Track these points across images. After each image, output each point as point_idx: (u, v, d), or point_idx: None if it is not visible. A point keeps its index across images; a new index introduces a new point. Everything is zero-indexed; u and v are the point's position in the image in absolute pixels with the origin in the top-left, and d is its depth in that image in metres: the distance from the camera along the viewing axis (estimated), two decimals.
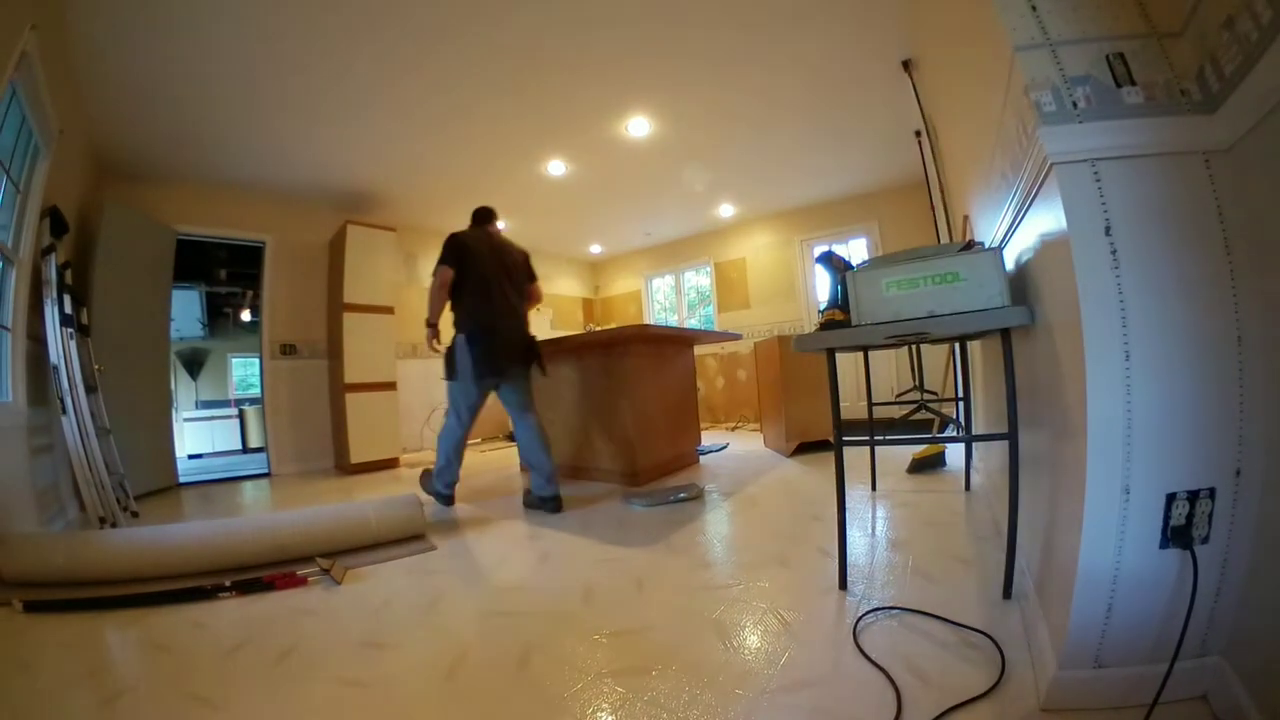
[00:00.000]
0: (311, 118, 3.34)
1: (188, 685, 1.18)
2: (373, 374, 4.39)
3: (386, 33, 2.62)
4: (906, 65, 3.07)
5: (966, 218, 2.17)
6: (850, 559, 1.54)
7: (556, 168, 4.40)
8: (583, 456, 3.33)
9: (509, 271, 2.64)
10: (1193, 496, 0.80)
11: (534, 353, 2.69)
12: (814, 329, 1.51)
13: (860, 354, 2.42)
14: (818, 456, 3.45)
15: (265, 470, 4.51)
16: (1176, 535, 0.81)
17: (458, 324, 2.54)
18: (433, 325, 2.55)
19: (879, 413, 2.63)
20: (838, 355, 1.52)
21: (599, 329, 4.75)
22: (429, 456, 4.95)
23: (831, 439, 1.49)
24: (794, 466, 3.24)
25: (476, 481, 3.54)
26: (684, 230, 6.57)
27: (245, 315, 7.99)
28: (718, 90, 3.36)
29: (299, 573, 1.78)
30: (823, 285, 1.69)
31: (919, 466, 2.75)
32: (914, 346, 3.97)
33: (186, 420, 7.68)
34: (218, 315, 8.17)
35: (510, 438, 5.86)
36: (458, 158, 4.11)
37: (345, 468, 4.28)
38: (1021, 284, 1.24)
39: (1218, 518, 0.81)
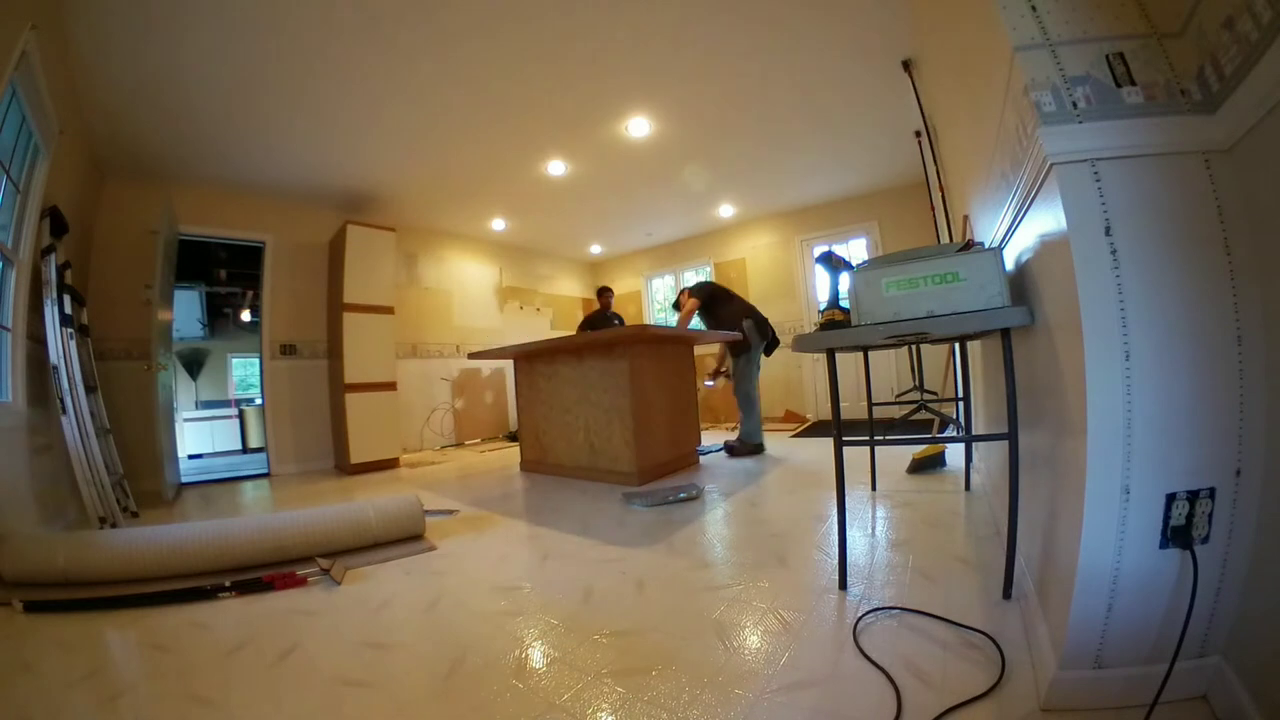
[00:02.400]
0: (311, 118, 3.34)
1: (188, 685, 1.18)
2: (373, 374, 4.39)
3: (387, 34, 2.62)
4: (906, 65, 3.07)
5: (966, 218, 2.17)
6: (850, 559, 1.54)
7: (556, 168, 4.40)
8: (583, 457, 3.33)
9: None
10: (1193, 496, 0.80)
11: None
12: (814, 329, 1.51)
13: (860, 354, 2.42)
14: (818, 457, 3.45)
15: (265, 470, 4.51)
16: (1176, 535, 0.81)
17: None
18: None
19: (879, 413, 2.63)
20: (838, 355, 1.52)
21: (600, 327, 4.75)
22: (429, 456, 4.95)
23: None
24: (794, 466, 3.24)
25: (476, 482, 3.54)
26: (684, 230, 6.57)
27: (245, 315, 7.98)
28: (717, 91, 3.36)
29: (299, 573, 1.78)
30: (823, 285, 1.69)
31: (919, 466, 2.75)
32: (914, 346, 3.97)
33: (186, 420, 7.68)
34: (218, 315, 8.17)
35: (511, 437, 5.87)
36: (458, 158, 4.11)
37: (345, 468, 4.28)
38: (1021, 284, 1.24)
39: (1218, 518, 0.81)
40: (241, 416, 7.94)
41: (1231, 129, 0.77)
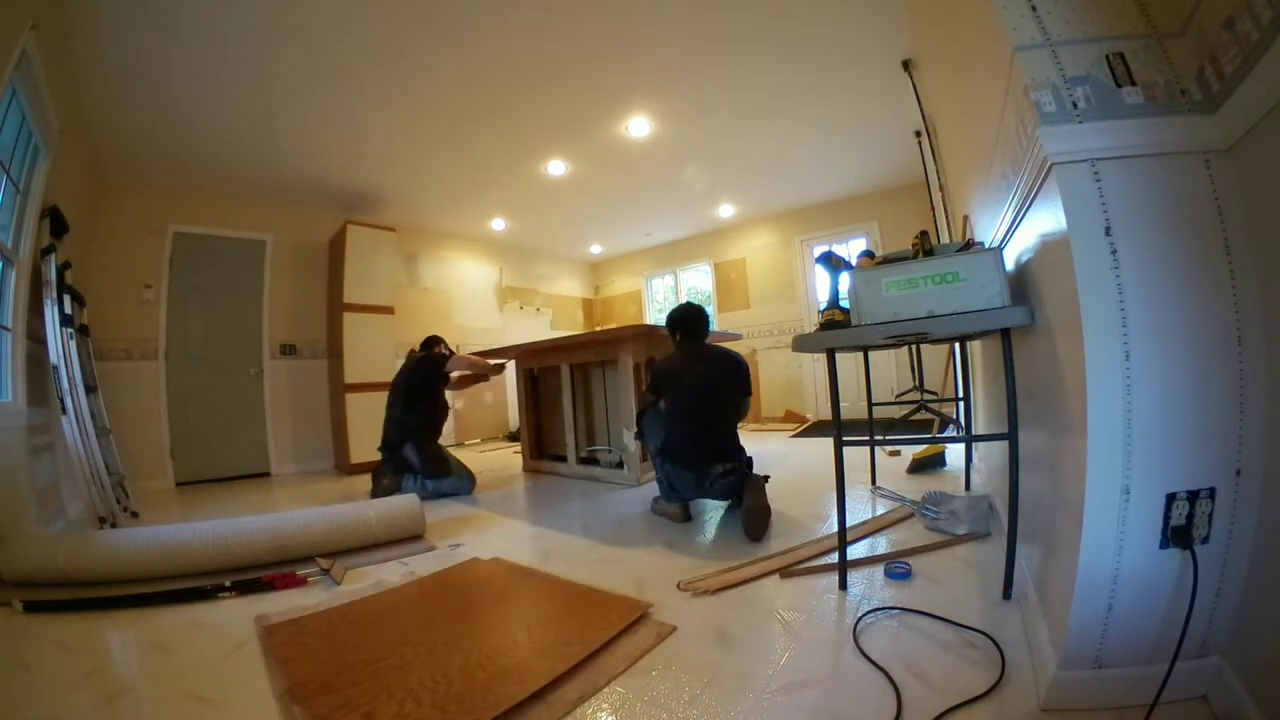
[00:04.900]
0: (312, 118, 3.34)
1: (188, 685, 1.18)
2: (373, 374, 4.38)
3: (387, 34, 2.62)
4: (906, 65, 3.07)
5: (966, 218, 2.17)
6: (849, 558, 1.53)
7: (556, 168, 4.40)
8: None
9: None
10: (1193, 496, 0.80)
11: None
12: (814, 329, 1.51)
13: (860, 354, 2.42)
14: (817, 457, 3.45)
15: (265, 470, 4.50)
16: (1177, 535, 0.81)
17: None
18: None
19: (879, 413, 2.63)
20: (838, 355, 1.52)
21: (601, 329, 4.75)
22: None
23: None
24: (794, 467, 3.24)
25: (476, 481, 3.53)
26: (684, 230, 6.57)
27: None
28: (717, 91, 3.36)
29: (299, 573, 1.78)
30: (822, 285, 1.69)
31: (919, 467, 2.75)
32: (914, 346, 3.97)
33: None
34: None
35: (511, 437, 5.87)
36: (458, 158, 4.11)
37: (345, 468, 4.28)
38: (1021, 284, 1.24)
39: (1218, 518, 0.81)
40: None
41: (1231, 129, 0.77)
